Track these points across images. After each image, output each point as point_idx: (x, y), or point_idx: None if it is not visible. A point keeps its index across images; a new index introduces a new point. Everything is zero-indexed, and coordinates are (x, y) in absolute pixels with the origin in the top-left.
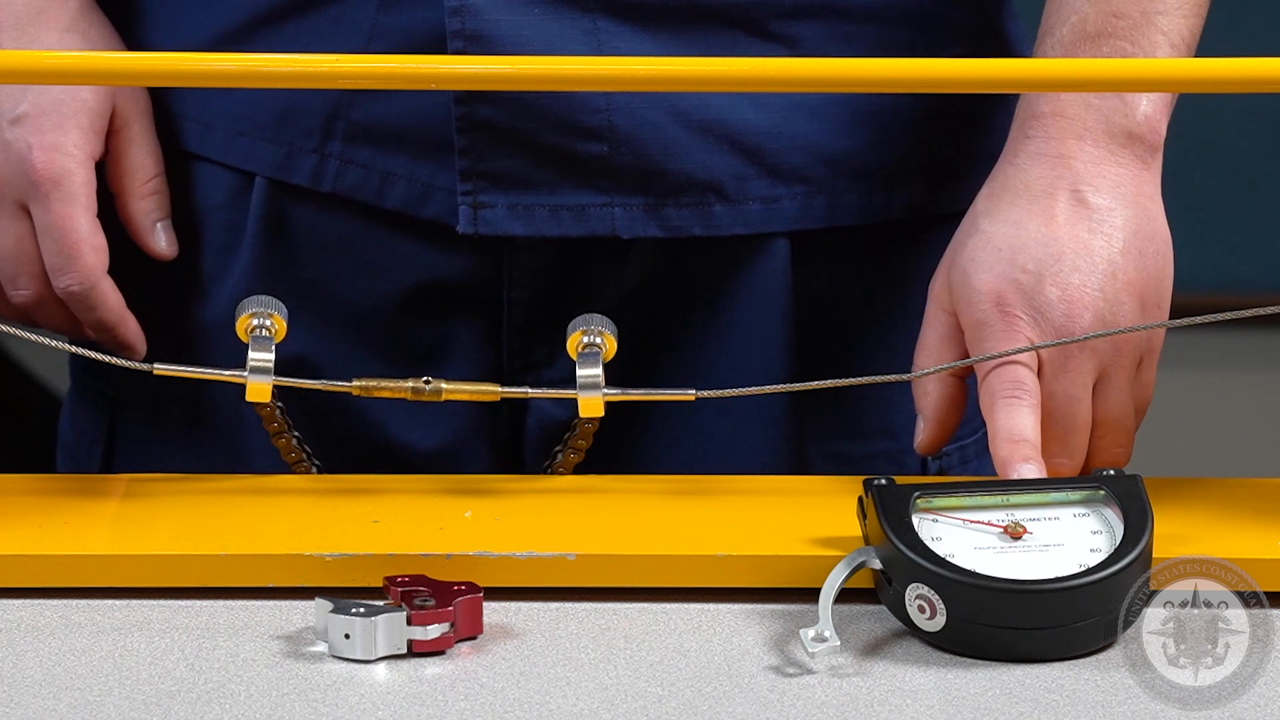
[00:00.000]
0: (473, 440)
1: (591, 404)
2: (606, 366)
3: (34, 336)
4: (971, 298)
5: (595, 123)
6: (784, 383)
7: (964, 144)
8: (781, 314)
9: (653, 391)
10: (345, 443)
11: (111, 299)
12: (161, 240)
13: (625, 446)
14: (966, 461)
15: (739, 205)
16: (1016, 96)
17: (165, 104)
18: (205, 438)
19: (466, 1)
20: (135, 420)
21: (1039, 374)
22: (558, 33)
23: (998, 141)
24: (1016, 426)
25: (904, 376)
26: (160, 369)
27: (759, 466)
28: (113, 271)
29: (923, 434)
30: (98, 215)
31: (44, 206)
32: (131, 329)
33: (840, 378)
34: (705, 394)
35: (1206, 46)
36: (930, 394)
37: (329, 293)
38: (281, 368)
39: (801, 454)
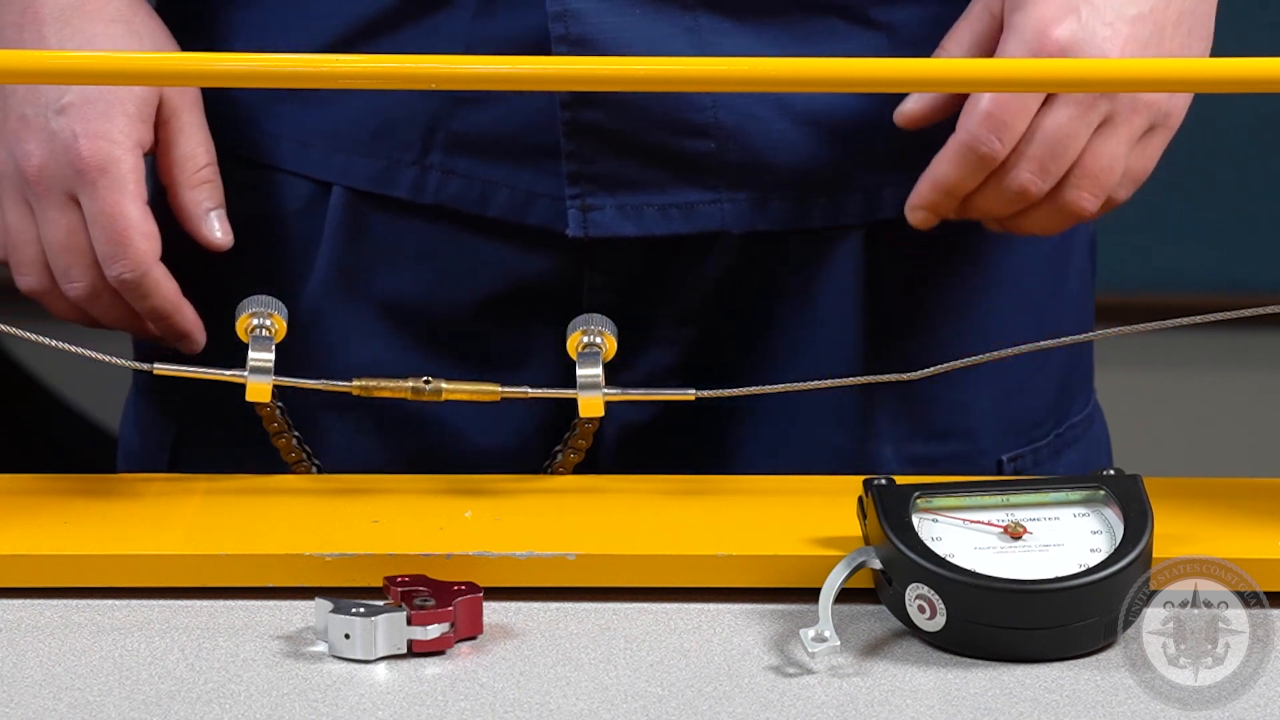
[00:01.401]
0: (545, 444)
1: (591, 404)
2: (687, 364)
3: (34, 336)
4: None
5: (702, 120)
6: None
7: None
8: (858, 305)
9: (652, 391)
10: (419, 451)
11: (165, 286)
12: (215, 229)
13: (702, 446)
14: (1040, 464)
15: (844, 195)
16: None
17: (258, 122)
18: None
19: (569, 6)
20: (203, 425)
21: (1048, 100)
22: (659, 32)
23: None
24: (953, 175)
25: (906, 376)
26: (160, 369)
27: (831, 467)
28: (189, 285)
29: (912, 102)
30: (153, 208)
31: (92, 195)
32: (188, 317)
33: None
34: (705, 394)
35: None
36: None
37: (407, 301)
38: (356, 376)
39: (876, 454)
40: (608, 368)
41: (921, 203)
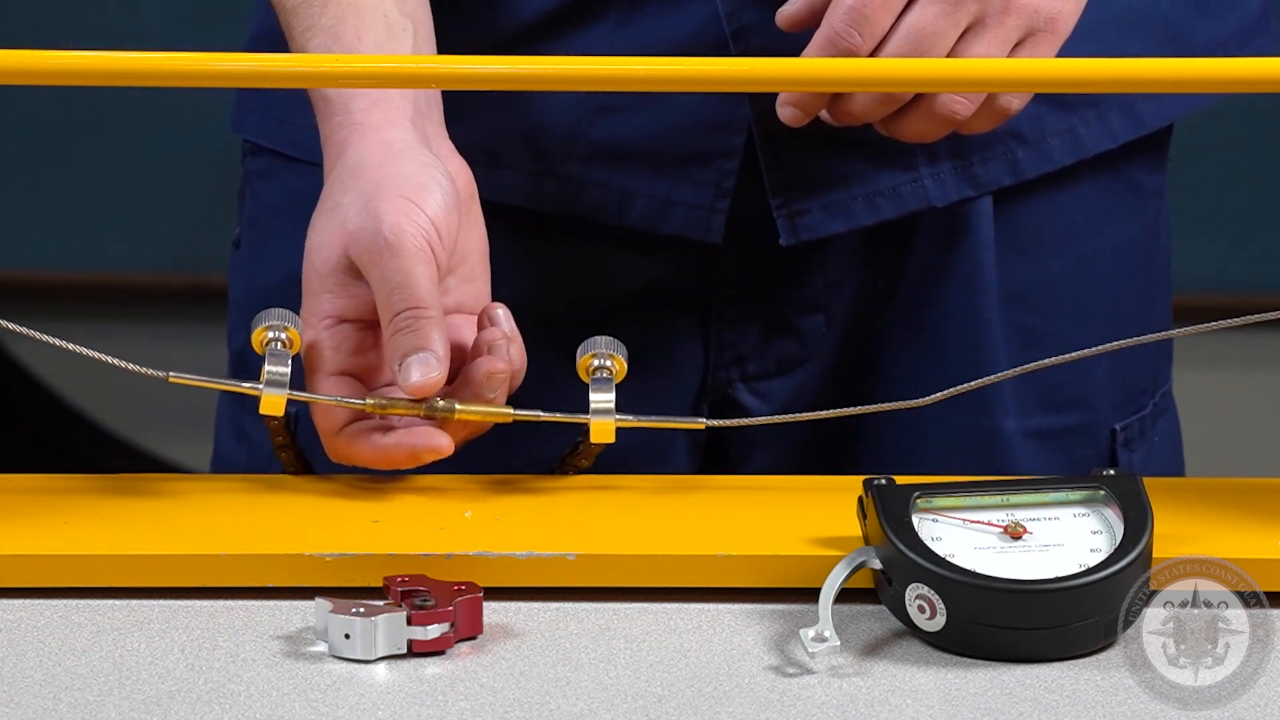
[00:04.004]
0: (669, 438)
1: (603, 429)
2: (817, 351)
3: (33, 334)
4: None
5: None
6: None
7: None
8: (990, 275)
9: (664, 419)
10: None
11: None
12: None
13: (853, 434)
14: (1144, 432)
15: (1038, 144)
16: None
17: None
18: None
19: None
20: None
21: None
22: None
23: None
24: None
25: (903, 404)
26: (175, 378)
27: (953, 443)
28: None
29: (792, 6)
30: None
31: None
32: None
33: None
34: (714, 423)
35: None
36: None
37: (536, 306)
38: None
39: (998, 429)
40: (735, 359)
41: (789, 99)
